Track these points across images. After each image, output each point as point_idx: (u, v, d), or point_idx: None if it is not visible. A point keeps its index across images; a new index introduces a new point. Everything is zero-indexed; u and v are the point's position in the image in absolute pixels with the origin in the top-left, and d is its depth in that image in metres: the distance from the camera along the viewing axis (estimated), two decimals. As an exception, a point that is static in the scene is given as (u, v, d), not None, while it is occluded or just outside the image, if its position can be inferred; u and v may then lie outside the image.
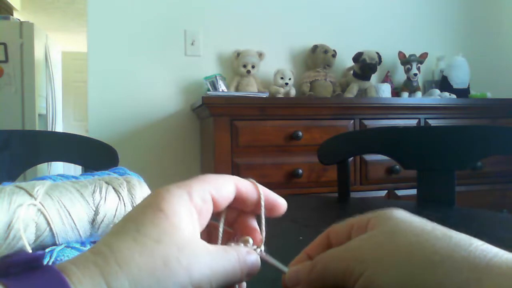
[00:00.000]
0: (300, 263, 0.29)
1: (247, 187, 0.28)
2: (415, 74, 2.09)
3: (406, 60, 2.12)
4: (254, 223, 0.29)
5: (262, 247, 0.28)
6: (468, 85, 2.17)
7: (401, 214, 0.26)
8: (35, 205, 0.35)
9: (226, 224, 0.29)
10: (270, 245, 0.29)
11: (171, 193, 0.24)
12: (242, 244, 0.27)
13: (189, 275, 0.22)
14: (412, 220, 0.25)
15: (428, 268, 0.21)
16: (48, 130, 3.45)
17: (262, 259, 0.27)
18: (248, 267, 0.25)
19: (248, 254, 0.26)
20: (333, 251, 0.26)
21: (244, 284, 0.27)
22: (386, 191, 1.76)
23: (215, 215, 0.28)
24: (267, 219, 0.28)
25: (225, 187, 0.26)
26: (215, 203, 0.26)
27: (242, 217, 0.29)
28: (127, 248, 0.21)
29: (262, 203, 0.28)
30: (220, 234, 0.28)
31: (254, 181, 0.28)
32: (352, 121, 1.72)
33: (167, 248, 0.22)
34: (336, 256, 0.26)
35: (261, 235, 0.28)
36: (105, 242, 0.22)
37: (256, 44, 2.05)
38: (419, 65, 2.11)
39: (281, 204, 0.29)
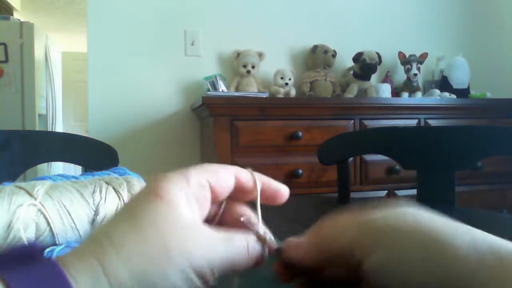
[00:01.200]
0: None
1: (247, 177, 0.27)
2: (415, 74, 2.09)
3: (406, 60, 2.12)
4: (247, 211, 0.28)
5: (271, 235, 0.26)
6: (468, 85, 2.17)
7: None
8: (35, 205, 0.35)
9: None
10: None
11: (168, 178, 0.24)
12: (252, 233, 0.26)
13: (188, 260, 0.21)
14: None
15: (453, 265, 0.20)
16: (48, 130, 3.44)
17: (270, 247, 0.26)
18: (256, 255, 0.24)
19: (257, 242, 0.25)
20: (339, 223, 0.24)
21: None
22: (386, 191, 1.76)
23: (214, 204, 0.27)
24: (266, 217, 0.28)
25: (224, 176, 0.26)
26: (213, 192, 0.25)
27: (234, 206, 0.28)
28: (124, 232, 0.21)
29: (259, 193, 0.27)
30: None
31: (251, 170, 0.28)
32: (352, 121, 1.72)
33: (166, 233, 0.21)
34: (344, 227, 0.24)
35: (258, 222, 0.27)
36: (102, 229, 0.22)
37: (256, 44, 2.05)
38: (419, 65, 2.11)
39: (282, 191, 0.28)
